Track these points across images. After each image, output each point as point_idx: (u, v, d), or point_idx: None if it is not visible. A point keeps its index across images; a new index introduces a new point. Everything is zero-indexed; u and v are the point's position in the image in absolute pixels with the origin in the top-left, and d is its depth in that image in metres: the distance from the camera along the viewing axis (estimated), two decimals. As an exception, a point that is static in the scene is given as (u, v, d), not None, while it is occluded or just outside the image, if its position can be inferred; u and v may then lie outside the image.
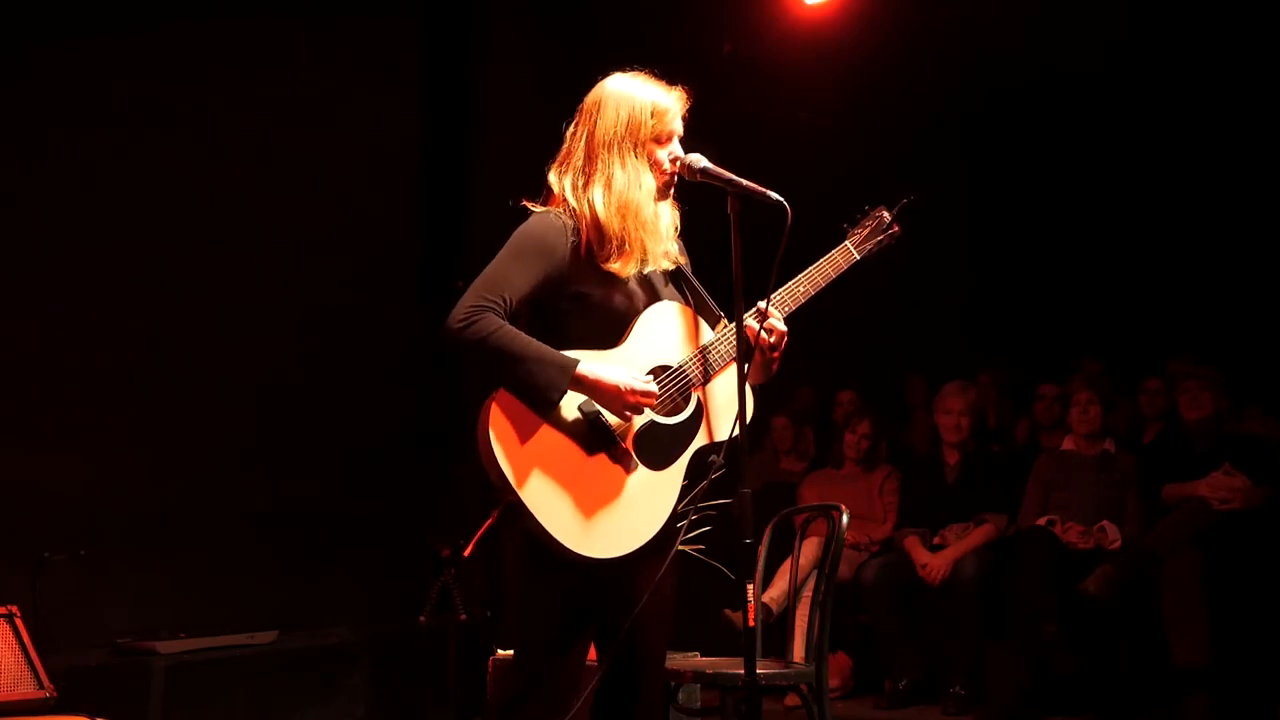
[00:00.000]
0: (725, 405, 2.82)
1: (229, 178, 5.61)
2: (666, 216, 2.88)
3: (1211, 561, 4.92)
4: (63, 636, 4.41)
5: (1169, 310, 6.42)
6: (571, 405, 2.70)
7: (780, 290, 2.87)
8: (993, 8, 6.36)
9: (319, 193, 5.98)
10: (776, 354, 2.84)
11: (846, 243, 3.00)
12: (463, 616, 5.56)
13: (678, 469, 2.77)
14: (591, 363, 2.69)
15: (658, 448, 2.75)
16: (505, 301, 2.70)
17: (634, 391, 2.68)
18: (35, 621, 3.93)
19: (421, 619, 5.45)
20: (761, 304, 2.79)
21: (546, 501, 2.64)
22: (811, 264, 2.94)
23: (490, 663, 4.37)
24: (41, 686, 3.80)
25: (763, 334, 2.78)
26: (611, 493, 2.70)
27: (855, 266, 2.98)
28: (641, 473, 2.73)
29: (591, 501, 2.67)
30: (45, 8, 4.98)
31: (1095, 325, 6.71)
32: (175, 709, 4.64)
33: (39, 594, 4.10)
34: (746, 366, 2.68)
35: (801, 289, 2.91)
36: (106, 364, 5.12)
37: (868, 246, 3.01)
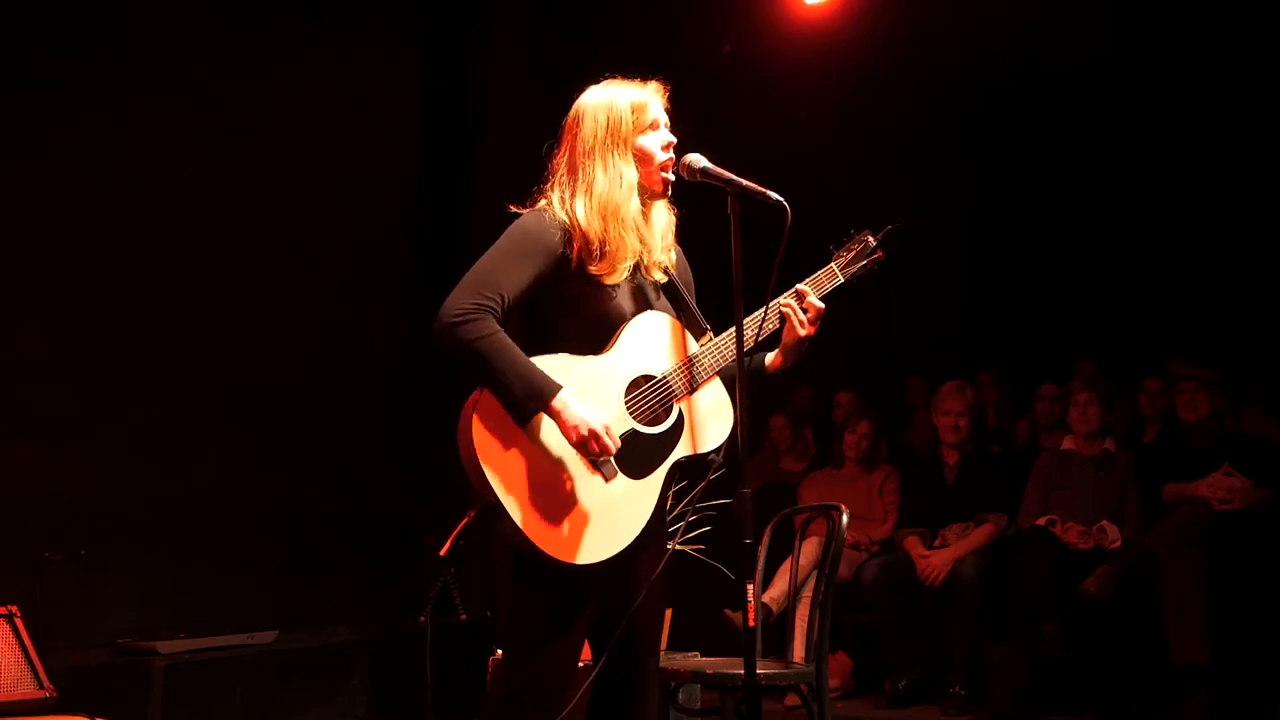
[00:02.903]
0: (709, 416, 2.83)
1: (228, 178, 5.62)
2: (661, 220, 2.87)
3: (1211, 561, 4.92)
4: (63, 636, 4.42)
5: (1168, 310, 6.41)
6: None
7: (765, 308, 2.86)
8: (992, 8, 6.36)
9: (318, 193, 5.98)
10: (814, 329, 2.86)
11: (832, 264, 2.99)
12: (463, 616, 5.55)
13: (657, 478, 2.77)
14: (570, 397, 2.66)
15: (638, 457, 2.75)
16: (502, 301, 2.70)
17: (596, 440, 2.66)
18: (35, 621, 3.93)
19: (421, 619, 5.44)
20: (800, 285, 2.87)
21: (524, 504, 2.64)
22: (797, 281, 2.94)
23: (490, 663, 4.37)
24: (41, 686, 3.81)
25: (799, 312, 2.83)
26: (589, 499, 2.70)
27: (840, 288, 2.98)
28: (621, 481, 2.73)
29: (569, 507, 2.68)
30: (43, 8, 4.98)
31: (1094, 325, 6.71)
32: (175, 709, 4.64)
33: (39, 594, 4.10)
34: (749, 361, 2.71)
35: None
36: (106, 364, 5.12)
37: (852, 269, 3.00)
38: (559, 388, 2.66)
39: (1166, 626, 4.91)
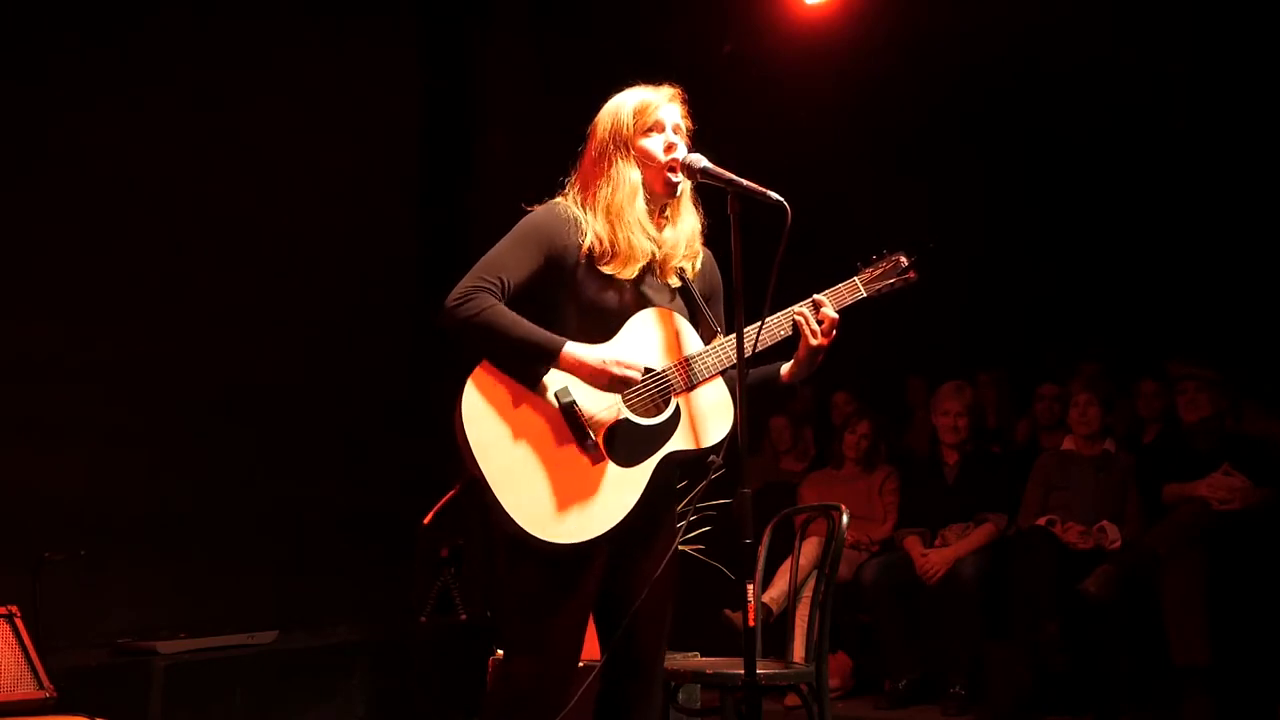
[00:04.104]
0: (708, 413, 2.85)
1: (228, 178, 5.61)
2: (685, 224, 2.90)
3: (1211, 561, 4.92)
4: (63, 636, 4.41)
5: (1168, 310, 6.41)
6: (548, 392, 2.74)
7: (779, 315, 2.87)
8: (992, 8, 6.36)
9: (318, 193, 5.98)
10: (828, 340, 2.86)
11: (855, 279, 2.99)
12: (463, 616, 5.56)
13: (645, 469, 2.78)
14: (575, 346, 2.74)
15: (629, 446, 2.77)
16: (502, 283, 2.76)
17: (617, 366, 2.72)
18: (35, 621, 3.93)
19: (421, 619, 5.44)
20: (818, 295, 2.89)
21: (507, 480, 2.68)
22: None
23: (490, 663, 4.37)
24: (41, 686, 3.80)
25: (811, 321, 2.84)
26: (575, 482, 2.72)
27: (861, 302, 2.97)
28: (608, 467, 2.75)
29: (553, 487, 2.70)
30: (42, 9, 4.98)
31: (1095, 326, 6.71)
32: (175, 709, 4.63)
33: (39, 594, 4.10)
34: (761, 367, 2.71)
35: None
36: (107, 364, 5.12)
37: (877, 286, 2.99)
38: (564, 340, 2.73)
39: (1166, 626, 4.91)
